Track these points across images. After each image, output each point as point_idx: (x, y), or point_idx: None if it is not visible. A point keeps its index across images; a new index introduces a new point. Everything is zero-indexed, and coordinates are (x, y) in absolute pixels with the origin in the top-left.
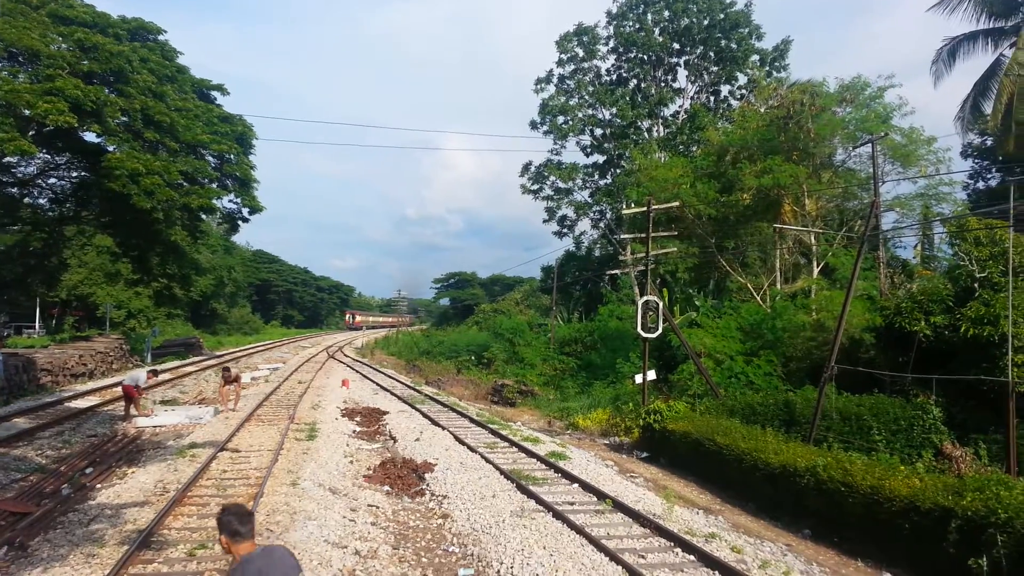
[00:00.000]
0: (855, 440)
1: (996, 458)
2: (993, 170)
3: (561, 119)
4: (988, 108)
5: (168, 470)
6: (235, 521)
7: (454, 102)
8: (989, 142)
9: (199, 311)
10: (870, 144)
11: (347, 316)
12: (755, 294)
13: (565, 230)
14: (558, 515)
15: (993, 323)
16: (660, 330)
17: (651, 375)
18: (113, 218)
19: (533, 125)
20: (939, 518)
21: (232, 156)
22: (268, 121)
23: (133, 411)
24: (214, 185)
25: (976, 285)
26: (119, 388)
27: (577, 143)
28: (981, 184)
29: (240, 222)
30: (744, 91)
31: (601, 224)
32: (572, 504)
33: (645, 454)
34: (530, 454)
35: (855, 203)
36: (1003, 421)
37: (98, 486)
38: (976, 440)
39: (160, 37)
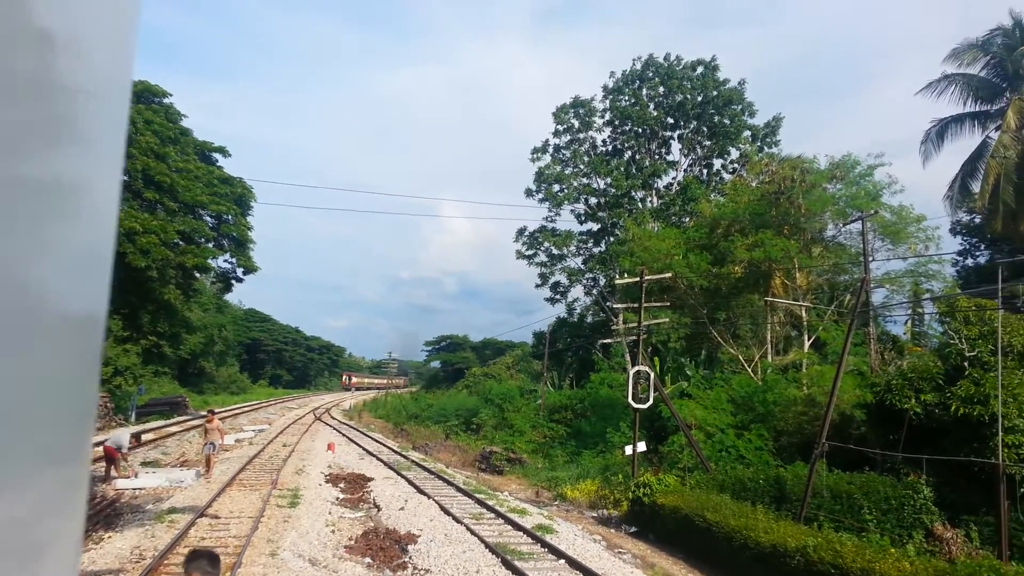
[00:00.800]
0: (846, 519)
1: (988, 541)
2: (982, 247)
3: (556, 187)
4: (976, 188)
5: (145, 536)
6: (206, 563)
7: (452, 167)
8: (978, 220)
9: (187, 369)
10: (860, 221)
11: (344, 377)
12: (746, 366)
13: (558, 296)
14: None
15: (983, 402)
16: (651, 401)
17: (641, 447)
18: None
19: (529, 192)
20: None
21: (230, 217)
22: (267, 182)
23: (113, 473)
24: (211, 245)
25: (966, 364)
26: (100, 448)
27: (571, 211)
28: (970, 261)
29: (234, 281)
30: (736, 165)
31: (594, 291)
32: None
33: (634, 529)
34: (516, 527)
35: (845, 278)
36: (994, 502)
37: None
38: (967, 521)
39: (165, 100)
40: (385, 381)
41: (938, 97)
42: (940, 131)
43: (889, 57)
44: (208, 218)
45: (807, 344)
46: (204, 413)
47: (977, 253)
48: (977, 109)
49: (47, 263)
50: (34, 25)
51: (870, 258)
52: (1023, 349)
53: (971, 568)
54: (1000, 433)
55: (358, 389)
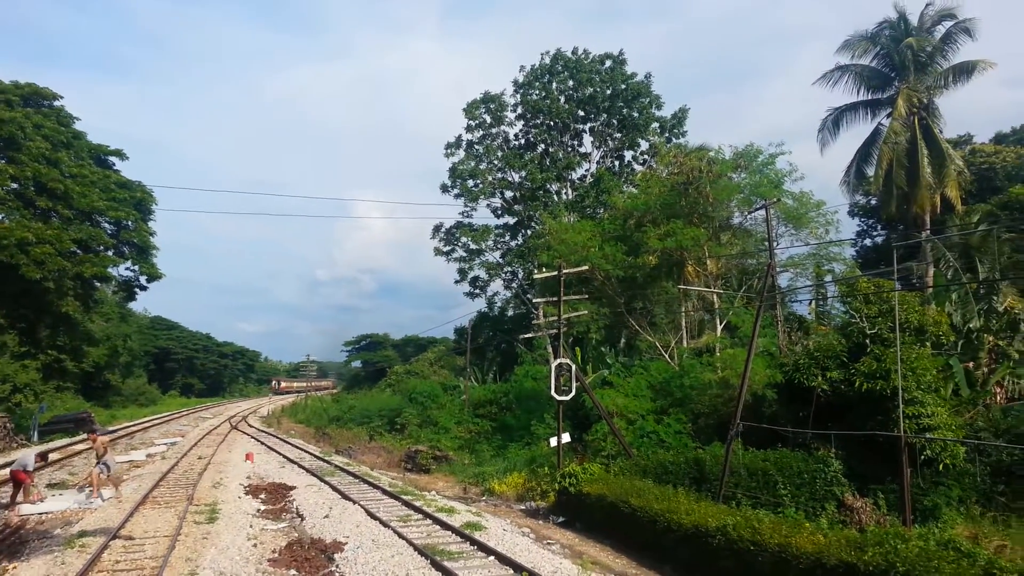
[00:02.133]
0: (762, 495)
1: (893, 507)
2: (878, 228)
3: (471, 182)
4: (871, 172)
5: (55, 563)
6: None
7: (363, 166)
8: (873, 202)
9: (91, 383)
10: (764, 208)
11: (273, 383)
12: (663, 352)
13: (477, 291)
14: None
15: (885, 377)
16: (573, 392)
17: (565, 438)
18: (0, 289)
19: (444, 188)
20: (844, 573)
21: (130, 223)
22: (169, 185)
23: (20, 498)
24: (110, 252)
25: (867, 341)
26: (3, 472)
27: (488, 205)
28: (868, 242)
29: (137, 290)
30: (646, 156)
31: (513, 285)
32: None
33: (561, 519)
34: (445, 526)
35: (753, 263)
36: (898, 471)
37: None
38: (875, 490)
39: (56, 103)
40: (311, 384)
41: (833, 86)
42: (836, 119)
43: (788, 47)
44: (107, 225)
45: (719, 328)
46: (112, 429)
47: (874, 233)
48: (869, 98)
49: None
50: None
51: (775, 243)
52: (919, 325)
53: (879, 536)
54: (901, 405)
55: (287, 393)
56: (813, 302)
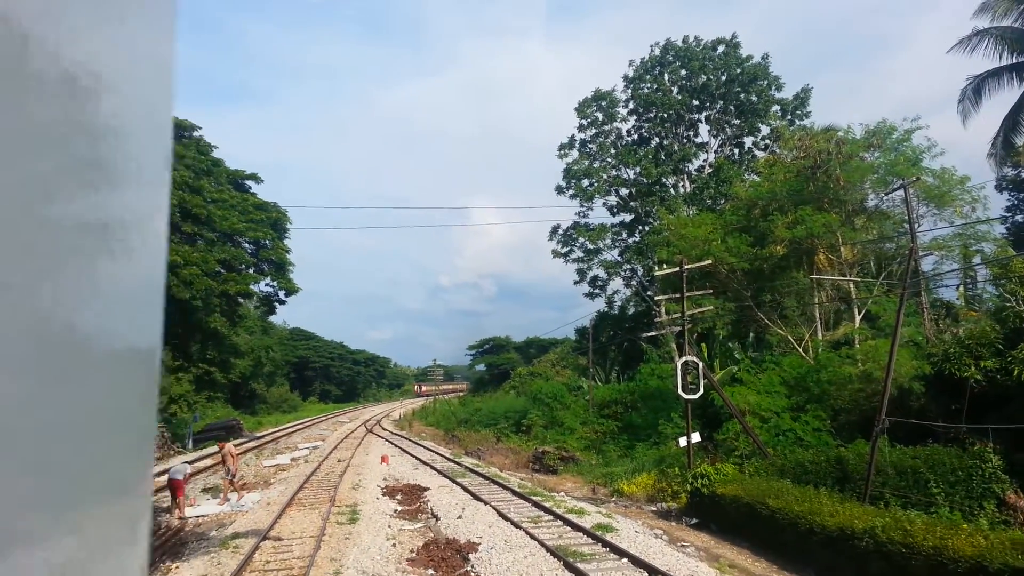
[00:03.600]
0: (912, 495)
1: None
2: None
3: (586, 182)
4: (1020, 142)
5: (212, 564)
6: None
7: (479, 173)
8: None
9: (238, 392)
10: (902, 188)
11: (415, 387)
12: (796, 345)
13: (597, 290)
14: None
15: None
16: (701, 390)
17: (695, 437)
18: None
19: (559, 190)
20: None
21: (267, 242)
22: (300, 204)
23: (178, 502)
24: (251, 270)
25: None
26: (161, 479)
27: (604, 204)
28: (1020, 217)
29: (277, 304)
30: (768, 141)
31: (633, 282)
32: None
33: (695, 520)
34: (576, 527)
35: (892, 247)
36: None
37: None
38: None
39: (195, 133)
40: (452, 387)
41: (971, 53)
42: (976, 87)
43: (915, 16)
44: (246, 245)
45: (858, 318)
46: (259, 435)
47: None
48: (1014, 61)
49: (99, 301)
50: (72, 69)
51: (916, 225)
52: None
53: None
54: None
55: (429, 395)
56: (962, 286)
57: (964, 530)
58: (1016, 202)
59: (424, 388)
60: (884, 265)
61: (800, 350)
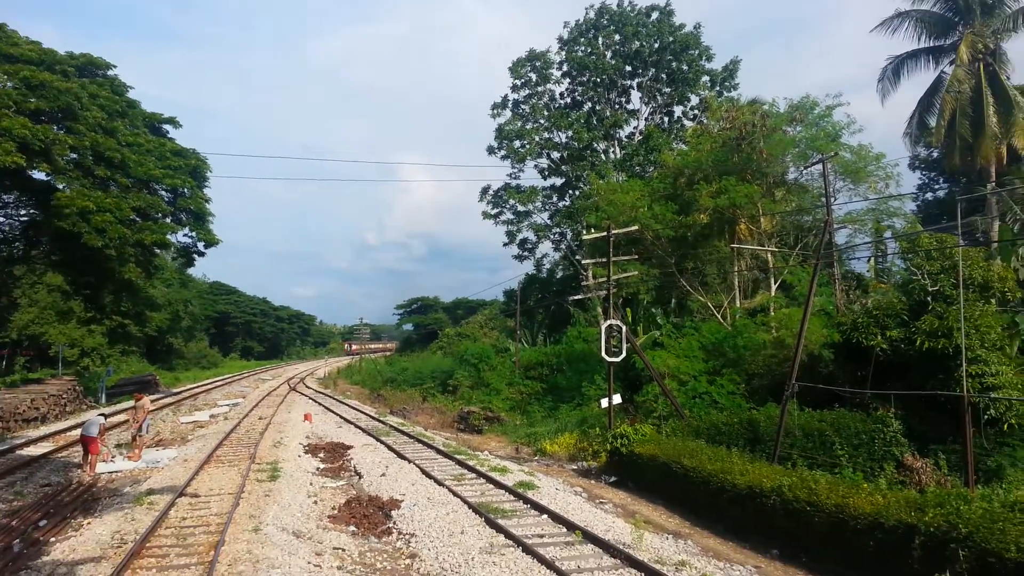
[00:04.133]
0: (819, 456)
1: (955, 467)
2: (941, 181)
3: (518, 143)
4: (933, 123)
5: (125, 520)
6: None
7: (409, 128)
8: (936, 154)
9: (155, 347)
10: (820, 163)
11: (345, 344)
12: (715, 312)
13: (526, 253)
14: (528, 550)
15: (947, 336)
16: (624, 353)
17: (616, 399)
18: (64, 256)
19: (491, 150)
20: (903, 535)
21: (186, 190)
22: (221, 152)
23: (89, 459)
24: (168, 220)
25: (929, 298)
26: (73, 433)
27: (535, 166)
28: (930, 196)
29: (196, 256)
30: (696, 112)
31: (562, 246)
32: (542, 537)
33: (613, 478)
34: (498, 485)
35: (809, 219)
36: (960, 431)
37: (52, 540)
38: (935, 451)
39: (110, 72)
40: (381, 345)
41: (892, 34)
42: (896, 68)
43: None
44: (163, 193)
45: (774, 287)
46: (176, 391)
47: (936, 187)
48: (931, 44)
49: None
50: None
51: (832, 199)
52: (983, 281)
53: (940, 496)
54: (964, 364)
55: (358, 354)
56: (872, 259)
57: (864, 489)
58: (927, 180)
59: (354, 347)
60: (801, 237)
61: (719, 317)
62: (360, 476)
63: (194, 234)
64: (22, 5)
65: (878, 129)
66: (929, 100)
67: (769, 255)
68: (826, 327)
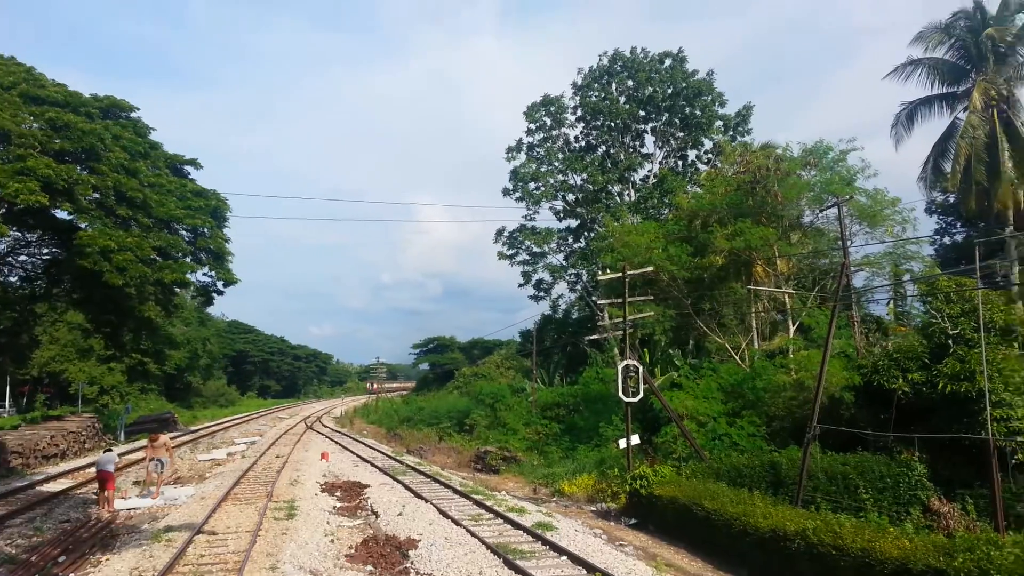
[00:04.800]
0: (843, 500)
1: (984, 512)
2: (958, 225)
3: (533, 185)
4: (948, 168)
5: (144, 556)
6: None
7: (429, 169)
8: (952, 199)
9: (173, 384)
10: (836, 206)
11: (368, 384)
12: (733, 354)
13: (542, 293)
14: None
15: (970, 379)
16: (641, 394)
17: (635, 439)
18: (85, 295)
19: (506, 192)
20: None
21: (206, 230)
22: (242, 195)
23: (107, 495)
24: (188, 259)
25: (950, 342)
26: (92, 470)
27: (550, 208)
28: (948, 240)
29: (215, 295)
30: (711, 155)
31: (577, 287)
32: None
33: (633, 520)
34: (516, 526)
35: (826, 262)
36: (987, 475)
37: None
38: (963, 495)
39: (133, 114)
40: (399, 385)
41: (905, 80)
42: (910, 114)
43: (855, 42)
44: (184, 232)
45: (792, 329)
46: (194, 429)
47: (954, 231)
48: (944, 91)
49: None
50: None
51: (849, 242)
52: (1004, 325)
53: (970, 541)
54: (988, 408)
55: (381, 392)
56: (892, 302)
57: (891, 533)
58: (944, 225)
59: (375, 386)
60: (818, 279)
61: (737, 358)
62: (377, 515)
63: (213, 273)
64: (50, 50)
65: (893, 174)
66: (944, 145)
67: (787, 297)
68: (846, 369)
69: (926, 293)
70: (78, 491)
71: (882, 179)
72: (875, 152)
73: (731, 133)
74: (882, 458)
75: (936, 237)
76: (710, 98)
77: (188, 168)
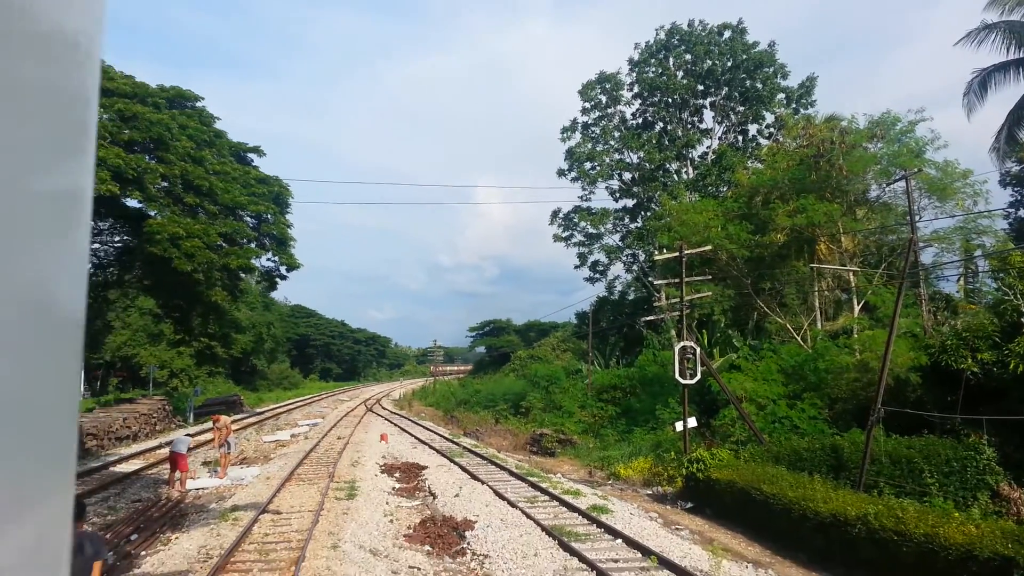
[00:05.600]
0: (907, 484)
1: None
2: None
3: (588, 165)
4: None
5: (211, 535)
6: None
7: (483, 151)
8: None
9: (239, 368)
10: (904, 180)
11: (431, 368)
12: (795, 334)
13: (597, 275)
14: (602, 574)
15: None
16: (699, 375)
17: (692, 422)
18: (155, 280)
19: (561, 173)
20: (999, 567)
21: (269, 216)
22: (303, 180)
23: (178, 475)
24: (252, 245)
25: (1023, 319)
26: (163, 451)
27: (606, 188)
28: (1023, 213)
29: (278, 279)
30: (772, 130)
31: (634, 267)
32: (616, 561)
33: (690, 504)
34: (571, 508)
35: (893, 238)
36: None
37: (143, 553)
38: None
39: (198, 104)
40: (460, 368)
41: (978, 47)
42: (983, 81)
43: (925, 6)
44: (248, 219)
45: (857, 309)
46: (259, 411)
47: None
48: (1022, 55)
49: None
50: (41, 29)
51: (917, 217)
52: None
53: None
54: None
55: (444, 375)
56: (962, 279)
57: (956, 519)
58: (1020, 197)
59: (439, 369)
60: (885, 257)
61: (799, 339)
62: (434, 496)
63: (277, 258)
64: (119, 42)
65: (965, 145)
66: (1019, 113)
67: (851, 275)
68: (913, 350)
69: (998, 269)
70: (149, 471)
71: (953, 150)
72: (945, 122)
73: (794, 106)
74: (949, 441)
75: (1010, 210)
76: (772, 70)
77: (251, 156)
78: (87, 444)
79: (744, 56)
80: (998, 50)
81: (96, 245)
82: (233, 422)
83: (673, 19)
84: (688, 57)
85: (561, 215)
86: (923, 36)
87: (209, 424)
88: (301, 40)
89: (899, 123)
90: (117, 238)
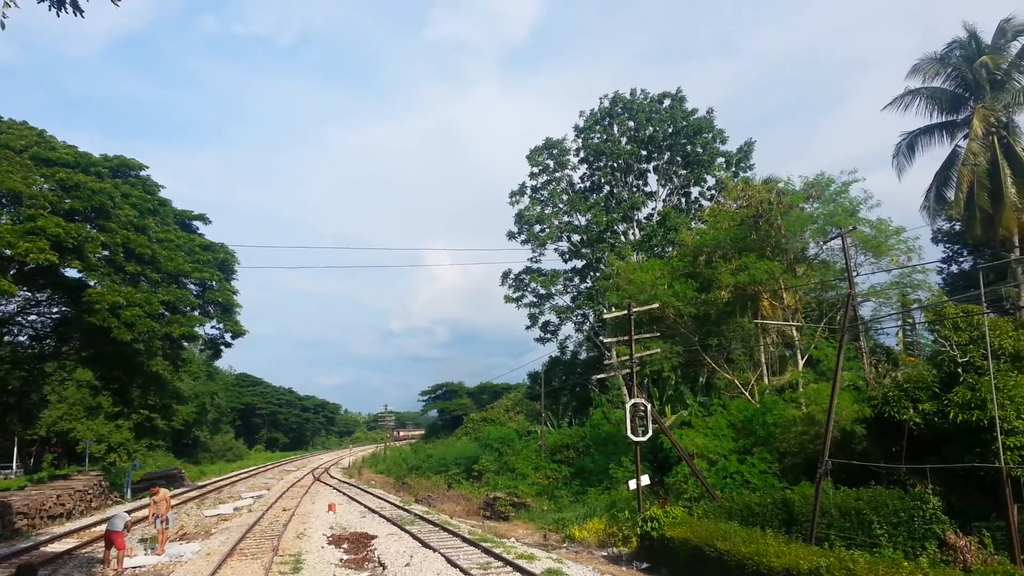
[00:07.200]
0: (857, 536)
1: (1001, 545)
2: (964, 253)
3: (538, 227)
4: (951, 195)
5: None
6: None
7: (435, 214)
8: (957, 227)
9: (181, 440)
10: (840, 237)
11: (393, 432)
12: (743, 389)
13: (548, 335)
14: None
15: (981, 407)
16: (651, 432)
17: (645, 480)
18: (94, 351)
19: (511, 235)
20: None
21: (214, 283)
22: (249, 246)
23: (113, 553)
24: (196, 312)
25: (960, 370)
26: (99, 528)
27: (555, 249)
28: (955, 268)
29: (223, 347)
30: (713, 191)
31: (584, 327)
32: None
33: (645, 564)
34: (526, 573)
35: (832, 294)
36: (1003, 506)
37: None
38: (979, 528)
39: (143, 172)
40: (417, 432)
41: (904, 111)
42: (910, 144)
43: (853, 77)
44: (192, 286)
45: (801, 363)
46: (201, 484)
47: (960, 259)
48: (944, 120)
49: None
50: None
51: (854, 273)
52: (1014, 351)
53: (986, 575)
54: (1000, 436)
55: (403, 440)
56: (900, 332)
57: (905, 568)
58: (951, 254)
59: (401, 433)
60: (826, 311)
61: (747, 394)
62: (384, 567)
63: (222, 326)
64: (63, 113)
65: (896, 204)
66: (945, 174)
67: (794, 330)
68: (857, 402)
69: (934, 321)
70: (83, 550)
71: (885, 209)
72: (877, 183)
73: (733, 169)
74: (895, 492)
75: (942, 265)
76: (711, 135)
77: (197, 223)
78: (17, 524)
79: (684, 123)
80: (923, 114)
81: (33, 317)
82: (173, 496)
83: (616, 88)
84: (631, 124)
85: (512, 276)
86: (854, 102)
87: (148, 500)
88: (251, 107)
89: (833, 184)
90: (55, 309)
